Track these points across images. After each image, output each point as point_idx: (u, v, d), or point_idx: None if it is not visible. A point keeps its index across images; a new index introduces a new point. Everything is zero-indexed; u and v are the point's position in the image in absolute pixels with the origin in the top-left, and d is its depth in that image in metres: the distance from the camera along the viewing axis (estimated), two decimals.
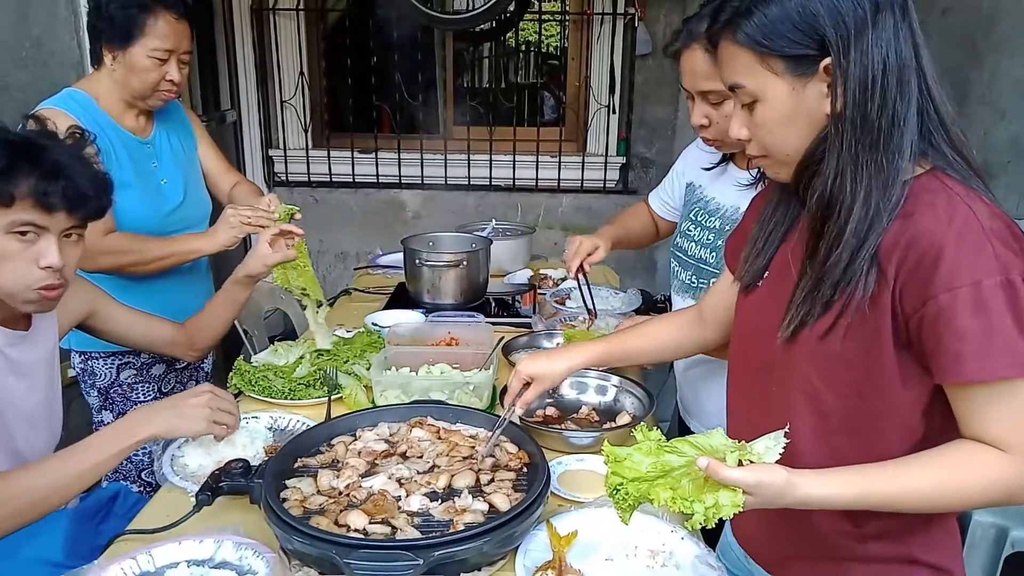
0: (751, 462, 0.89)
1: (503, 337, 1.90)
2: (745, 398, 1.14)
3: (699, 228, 1.67)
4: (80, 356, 1.93)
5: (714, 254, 1.61)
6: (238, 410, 1.42)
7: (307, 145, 3.91)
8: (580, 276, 1.91)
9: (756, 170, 1.45)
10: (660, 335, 1.42)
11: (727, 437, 0.93)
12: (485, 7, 3.57)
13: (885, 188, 0.90)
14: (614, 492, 0.91)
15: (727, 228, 1.54)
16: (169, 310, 1.81)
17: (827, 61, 0.90)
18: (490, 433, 1.38)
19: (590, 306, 1.95)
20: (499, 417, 1.40)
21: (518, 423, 1.42)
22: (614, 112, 3.81)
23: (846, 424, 0.98)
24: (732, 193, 1.59)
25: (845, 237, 0.91)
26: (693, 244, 1.67)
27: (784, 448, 0.90)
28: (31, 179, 1.21)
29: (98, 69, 1.83)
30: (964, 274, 0.85)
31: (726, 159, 1.66)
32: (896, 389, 0.93)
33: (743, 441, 0.91)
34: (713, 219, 1.64)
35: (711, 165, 1.68)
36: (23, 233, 1.23)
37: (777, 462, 0.89)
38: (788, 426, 0.92)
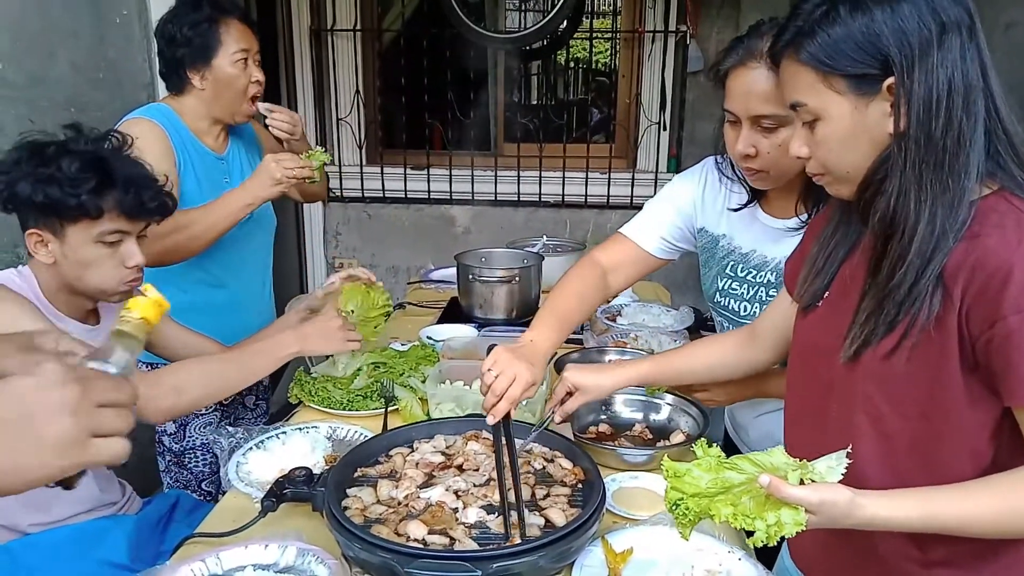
0: (812, 481, 0.88)
1: (556, 353, 1.90)
2: (803, 419, 1.13)
3: (746, 285, 1.52)
4: (147, 367, 2.00)
5: None
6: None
7: (361, 162, 4.00)
8: (503, 428, 1.25)
9: (798, 217, 1.41)
10: (709, 354, 1.42)
11: (788, 455, 0.92)
12: (537, 26, 3.62)
13: (951, 208, 0.89)
14: (674, 507, 0.91)
15: None
16: (231, 331, 1.87)
17: (890, 81, 0.90)
18: (545, 448, 1.40)
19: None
20: (554, 433, 1.42)
21: (566, 435, 1.43)
22: (665, 129, 3.81)
23: (911, 446, 0.97)
24: (776, 243, 1.46)
25: (909, 257, 0.90)
26: (745, 303, 1.52)
27: (847, 469, 0.89)
28: (115, 192, 1.38)
29: (176, 95, 1.92)
30: None
31: (751, 201, 1.49)
32: (962, 411, 0.92)
33: (805, 460, 0.91)
34: (764, 274, 1.49)
35: (739, 206, 1.50)
36: (111, 241, 1.41)
37: (842, 484, 0.88)
38: (851, 446, 0.91)
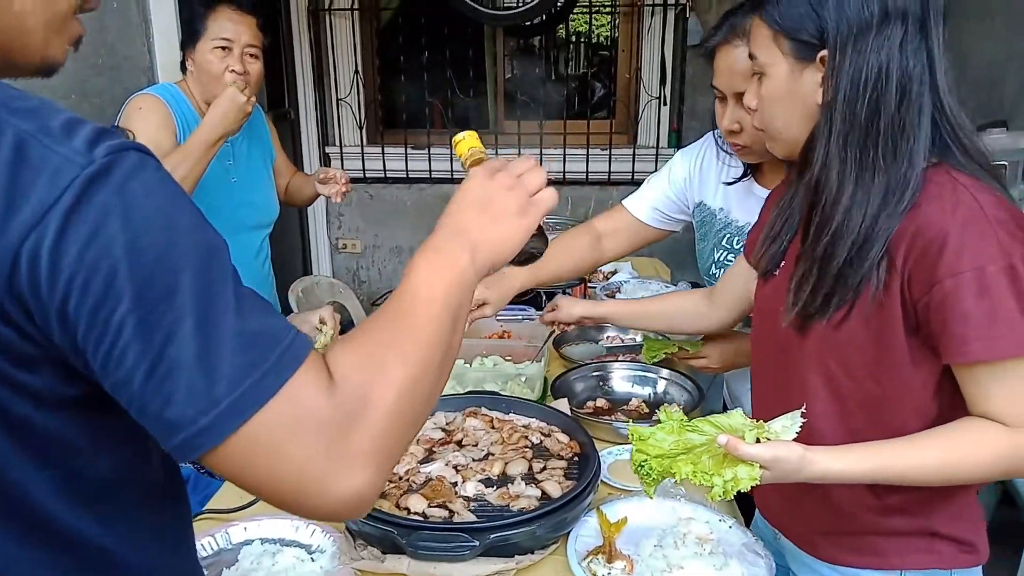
0: (768, 440, 0.94)
1: (554, 330, 1.93)
2: (766, 381, 1.18)
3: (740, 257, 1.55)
4: None
5: None
6: None
7: (362, 142, 4.01)
8: None
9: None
10: (674, 305, 1.57)
11: (746, 417, 0.99)
12: (536, 1, 3.60)
13: (890, 193, 0.93)
14: (639, 468, 0.98)
15: None
16: None
17: (824, 52, 0.96)
18: (543, 423, 1.43)
19: None
20: (551, 408, 1.46)
21: (563, 411, 1.47)
22: (665, 104, 3.80)
23: (862, 405, 1.02)
24: None
25: (832, 227, 0.96)
26: None
27: (801, 427, 0.94)
28: None
29: (185, 77, 2.00)
30: (968, 260, 0.89)
31: (746, 174, 1.53)
32: (908, 372, 0.98)
33: (762, 421, 0.96)
34: None
35: (732, 180, 1.55)
36: None
37: (796, 441, 0.93)
38: (805, 406, 0.96)
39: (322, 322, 1.55)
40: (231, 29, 1.89)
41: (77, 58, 2.31)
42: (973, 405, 0.95)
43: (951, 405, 0.98)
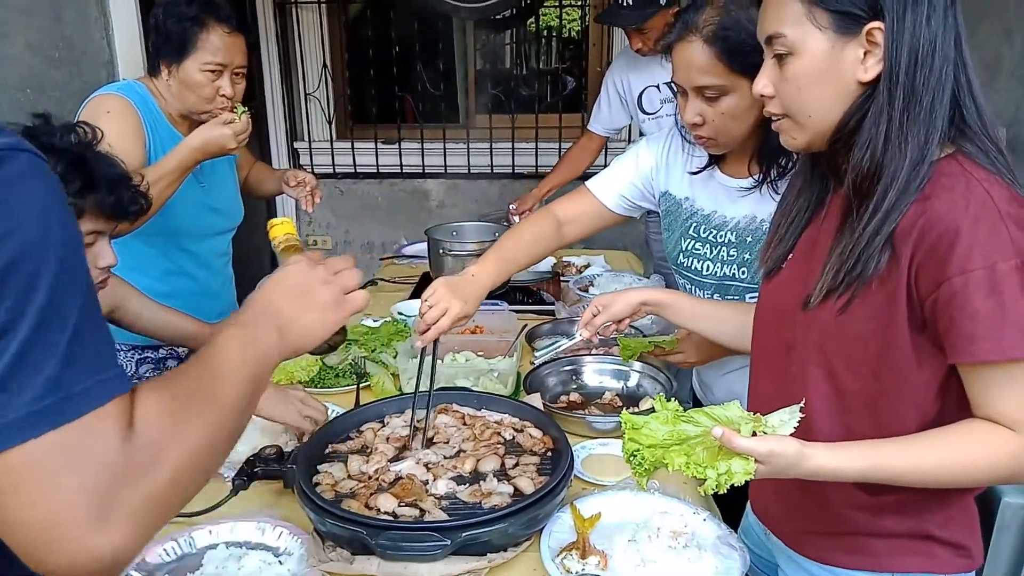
0: (764, 434, 0.91)
1: (526, 324, 1.92)
2: (766, 378, 1.16)
3: (709, 245, 1.54)
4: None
5: (743, 269, 1.48)
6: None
7: (331, 137, 3.95)
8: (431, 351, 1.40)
9: (751, 177, 1.44)
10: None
11: (743, 409, 0.96)
12: None
13: (916, 167, 0.91)
14: (631, 457, 0.94)
15: (749, 240, 1.46)
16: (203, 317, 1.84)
17: (872, 25, 0.90)
18: (515, 418, 1.42)
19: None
20: (524, 403, 1.44)
21: (536, 406, 1.45)
22: None
23: (862, 403, 1.00)
24: (734, 203, 1.48)
25: (884, 207, 0.91)
26: (708, 263, 1.54)
27: (799, 423, 0.92)
28: (95, 194, 1.31)
29: (156, 77, 1.86)
30: (978, 257, 0.86)
31: (711, 163, 1.52)
32: (910, 369, 0.95)
33: (759, 414, 0.94)
34: (724, 233, 1.51)
35: (696, 170, 1.54)
36: (87, 243, 1.33)
37: (793, 436, 0.91)
38: (804, 401, 0.94)
39: None
40: (223, 53, 1.77)
41: (33, 51, 2.25)
42: (977, 406, 0.92)
43: (956, 407, 0.95)
